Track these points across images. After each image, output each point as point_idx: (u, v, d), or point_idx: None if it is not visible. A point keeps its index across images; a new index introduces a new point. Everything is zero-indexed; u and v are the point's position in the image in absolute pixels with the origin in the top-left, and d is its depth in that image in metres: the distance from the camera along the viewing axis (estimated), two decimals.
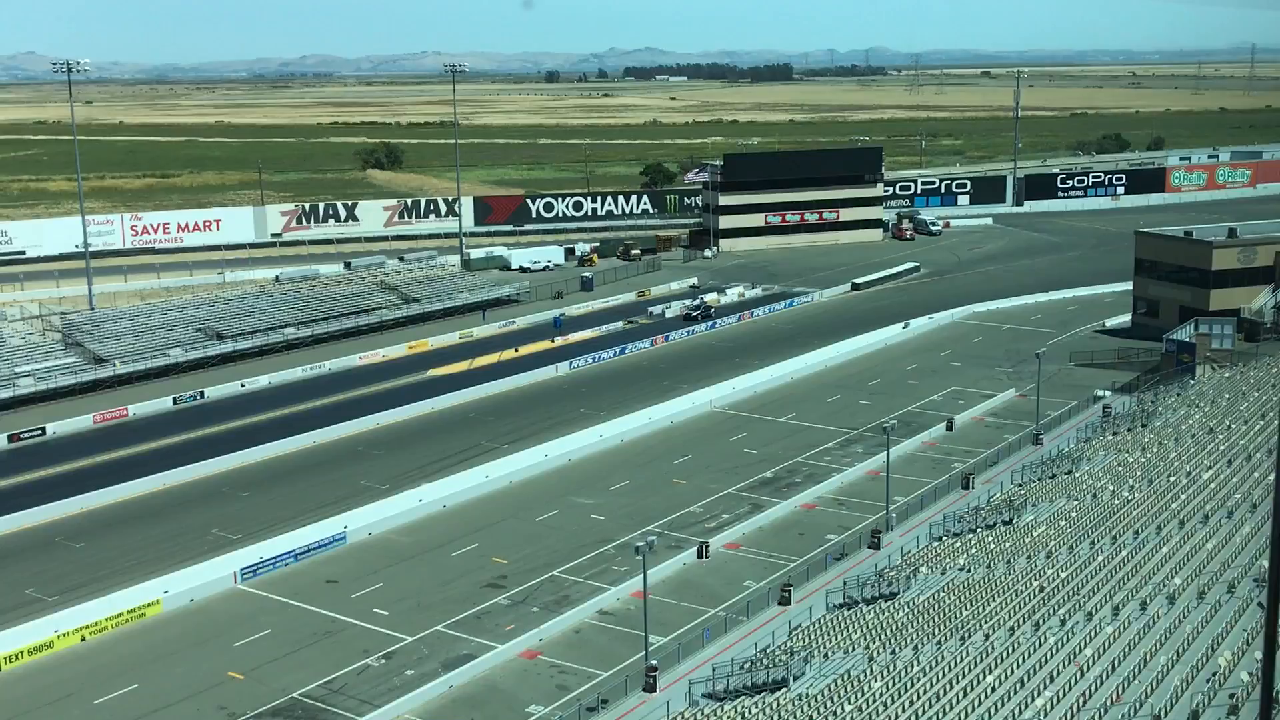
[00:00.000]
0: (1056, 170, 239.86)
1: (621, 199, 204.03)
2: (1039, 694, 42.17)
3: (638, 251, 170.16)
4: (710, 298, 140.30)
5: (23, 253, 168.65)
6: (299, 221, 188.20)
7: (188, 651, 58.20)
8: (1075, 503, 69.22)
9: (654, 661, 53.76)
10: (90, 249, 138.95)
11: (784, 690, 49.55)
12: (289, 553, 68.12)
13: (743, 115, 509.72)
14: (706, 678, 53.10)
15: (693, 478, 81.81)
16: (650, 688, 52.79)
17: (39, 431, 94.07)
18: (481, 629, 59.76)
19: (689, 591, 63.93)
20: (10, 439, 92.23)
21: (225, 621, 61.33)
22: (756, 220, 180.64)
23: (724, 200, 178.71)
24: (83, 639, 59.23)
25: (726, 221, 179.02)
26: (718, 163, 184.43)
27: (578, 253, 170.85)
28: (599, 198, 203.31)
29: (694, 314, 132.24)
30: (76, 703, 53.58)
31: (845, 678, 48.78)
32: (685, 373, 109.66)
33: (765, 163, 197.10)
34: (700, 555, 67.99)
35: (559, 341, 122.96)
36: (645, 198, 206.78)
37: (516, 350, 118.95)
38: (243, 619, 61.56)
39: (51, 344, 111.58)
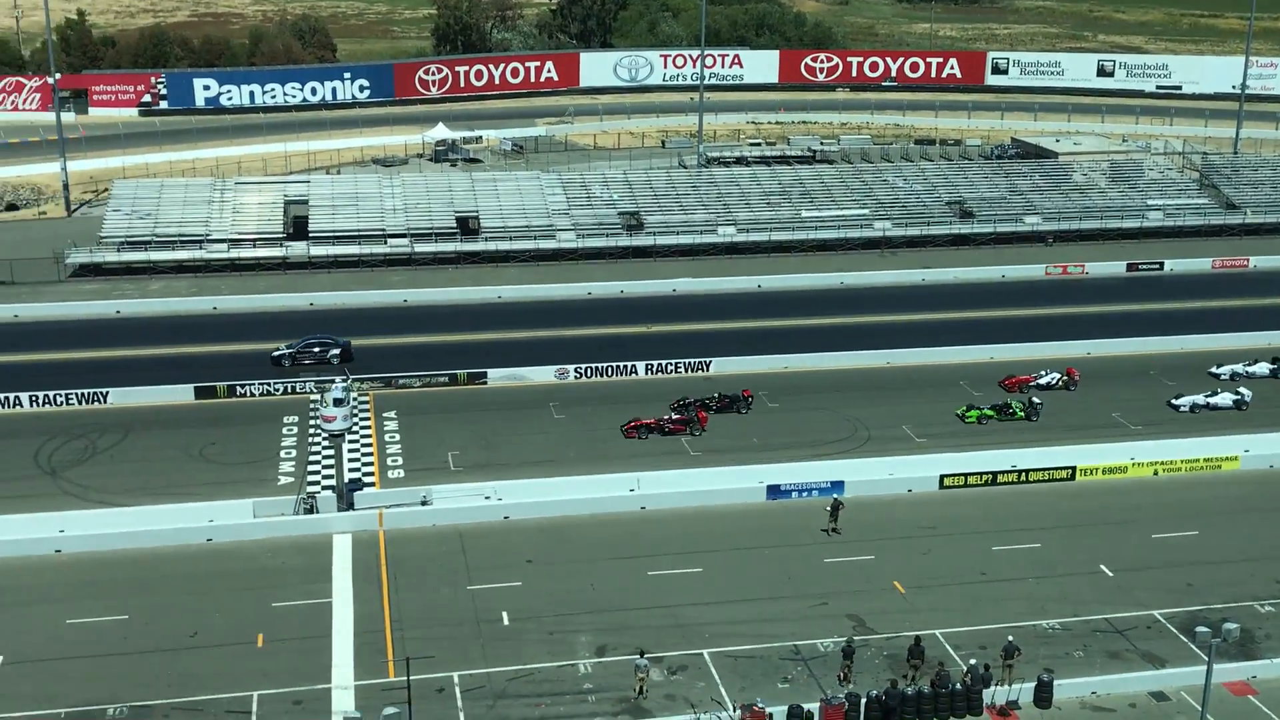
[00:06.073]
0: None
1: None
2: None
3: None
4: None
5: (1179, 88, 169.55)
6: None
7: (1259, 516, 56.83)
8: None
9: None
10: (1246, 92, 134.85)
11: None
12: None
13: None
14: None
15: None
16: None
17: (1157, 266, 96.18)
18: None
19: None
20: (1128, 268, 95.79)
21: None
22: None
23: None
24: (1155, 473, 60.73)
25: None
26: None
27: None
28: None
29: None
30: (1135, 530, 55.28)
31: None
32: None
33: None
34: None
35: None
36: None
37: None
38: None
39: (1187, 182, 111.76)
